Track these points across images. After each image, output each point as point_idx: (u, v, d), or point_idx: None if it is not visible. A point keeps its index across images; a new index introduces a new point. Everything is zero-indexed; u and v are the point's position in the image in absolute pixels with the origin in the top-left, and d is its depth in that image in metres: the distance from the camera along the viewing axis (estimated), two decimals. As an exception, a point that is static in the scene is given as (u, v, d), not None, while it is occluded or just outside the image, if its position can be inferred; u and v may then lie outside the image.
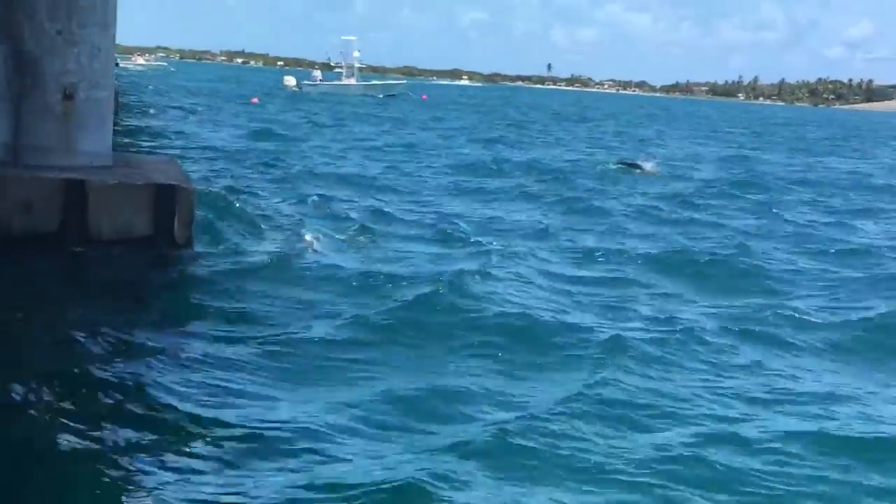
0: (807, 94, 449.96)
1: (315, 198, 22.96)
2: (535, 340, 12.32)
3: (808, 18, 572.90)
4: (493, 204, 26.23)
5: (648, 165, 38.50)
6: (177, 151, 30.80)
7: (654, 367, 11.49)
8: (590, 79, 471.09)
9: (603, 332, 12.87)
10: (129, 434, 8.33)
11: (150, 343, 11.00)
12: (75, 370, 9.57)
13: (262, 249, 16.33)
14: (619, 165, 38.50)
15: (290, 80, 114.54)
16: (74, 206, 14.23)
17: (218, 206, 19.11)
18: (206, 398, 9.42)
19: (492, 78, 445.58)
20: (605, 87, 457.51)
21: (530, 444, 8.68)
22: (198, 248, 15.10)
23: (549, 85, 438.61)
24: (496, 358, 11.60)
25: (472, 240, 19.54)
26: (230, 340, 11.43)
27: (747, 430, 9.44)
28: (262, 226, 18.45)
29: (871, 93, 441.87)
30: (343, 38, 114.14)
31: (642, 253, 19.36)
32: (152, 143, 32.69)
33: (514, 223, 22.79)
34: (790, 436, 9.36)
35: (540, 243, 19.92)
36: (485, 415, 9.67)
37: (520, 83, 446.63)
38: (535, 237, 20.84)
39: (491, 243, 19.13)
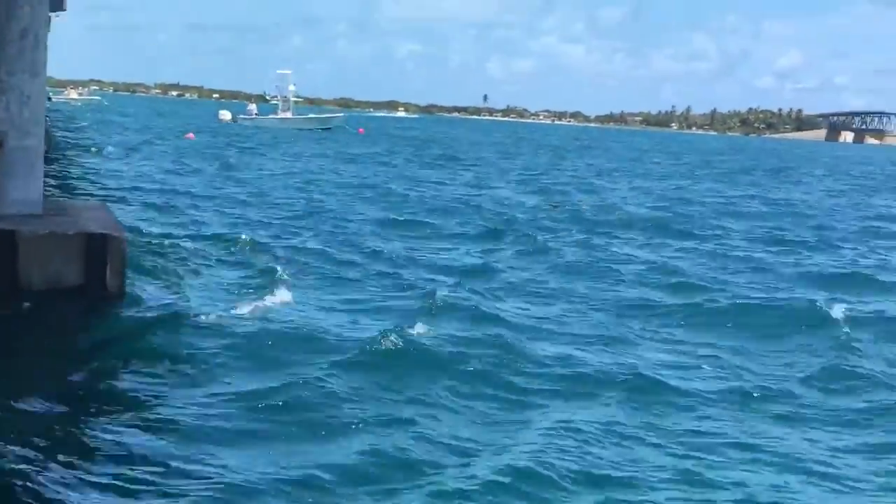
0: (738, 124, 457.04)
1: (247, 237, 22.78)
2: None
3: (739, 49, 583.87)
4: (426, 242, 26.20)
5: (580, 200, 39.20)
6: (109, 192, 30.55)
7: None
8: (525, 109, 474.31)
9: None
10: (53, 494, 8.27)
11: (80, 393, 10.91)
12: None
13: (196, 297, 16.22)
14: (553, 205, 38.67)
15: (226, 115, 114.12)
16: (4, 257, 14.13)
17: (150, 252, 19.00)
18: (139, 457, 9.34)
19: (428, 109, 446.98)
20: (541, 117, 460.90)
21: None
22: (130, 298, 14.97)
23: (485, 116, 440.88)
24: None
25: (411, 280, 19.58)
26: (161, 397, 11.33)
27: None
28: (196, 272, 18.34)
29: (801, 122, 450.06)
30: (279, 71, 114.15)
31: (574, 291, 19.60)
32: (85, 184, 32.31)
33: (450, 261, 22.90)
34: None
35: (482, 282, 19.94)
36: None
37: (456, 114, 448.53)
38: (474, 275, 20.81)
39: (430, 283, 19.18)
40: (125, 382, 11.77)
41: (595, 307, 18.20)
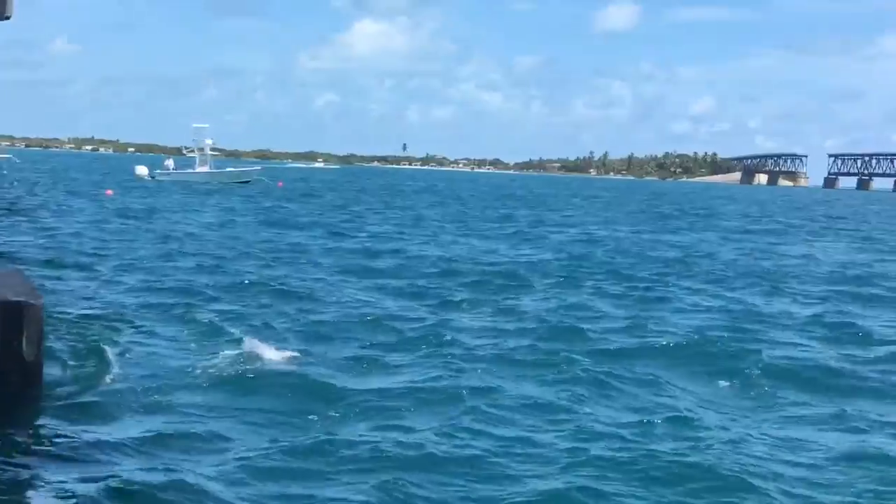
0: (655, 168, 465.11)
1: (176, 303, 21.89)
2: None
3: (654, 95, 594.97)
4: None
5: None
6: (25, 255, 29.42)
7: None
8: (445, 158, 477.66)
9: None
10: None
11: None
12: None
13: (118, 368, 15.34)
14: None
15: (142, 170, 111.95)
16: None
17: (69, 321, 18.09)
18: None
19: (347, 159, 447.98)
20: (461, 165, 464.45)
21: None
22: (48, 369, 14.02)
23: (404, 165, 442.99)
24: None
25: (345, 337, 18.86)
26: (83, 479, 10.47)
27: None
28: (118, 340, 17.42)
29: (716, 165, 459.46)
30: (195, 125, 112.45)
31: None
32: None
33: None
34: None
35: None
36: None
37: (376, 163, 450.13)
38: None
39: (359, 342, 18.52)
40: (39, 461, 10.89)
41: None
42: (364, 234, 45.30)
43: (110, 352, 16.26)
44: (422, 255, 36.31)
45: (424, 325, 20.75)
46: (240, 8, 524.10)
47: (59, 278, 24.92)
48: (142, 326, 19.09)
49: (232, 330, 18.54)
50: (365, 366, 16.56)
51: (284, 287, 25.34)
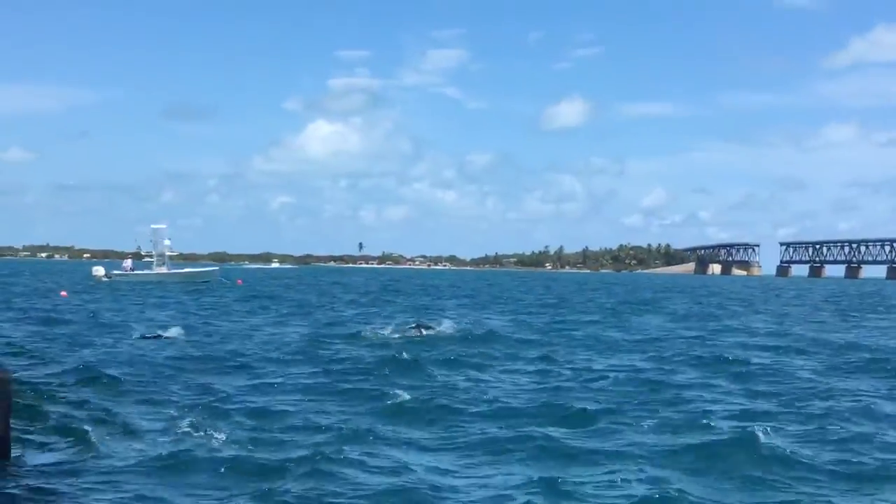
0: (610, 261, 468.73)
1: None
2: None
3: (606, 189, 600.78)
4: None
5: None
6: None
7: None
8: (401, 256, 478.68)
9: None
10: None
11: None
12: None
13: (85, 446, 15.55)
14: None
15: (99, 270, 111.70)
16: None
17: (38, 396, 18.29)
18: None
19: (304, 259, 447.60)
20: (417, 263, 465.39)
21: None
22: (14, 447, 14.26)
23: (361, 264, 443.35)
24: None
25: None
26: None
27: None
28: (87, 420, 17.64)
29: (670, 256, 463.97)
30: (153, 226, 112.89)
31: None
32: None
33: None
34: None
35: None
36: None
37: (332, 263, 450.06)
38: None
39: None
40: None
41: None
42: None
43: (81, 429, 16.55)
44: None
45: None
46: (192, 113, 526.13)
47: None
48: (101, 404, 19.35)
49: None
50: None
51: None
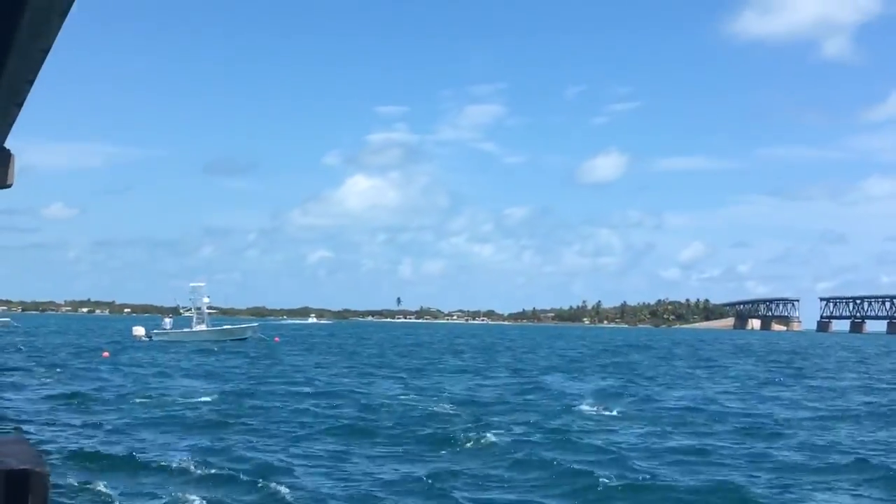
0: (648, 315, 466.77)
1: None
2: None
3: (643, 243, 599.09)
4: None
5: None
6: (27, 417, 29.93)
7: None
8: (439, 310, 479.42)
9: None
10: None
11: None
12: None
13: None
14: None
15: (140, 330, 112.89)
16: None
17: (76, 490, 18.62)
18: None
19: (342, 314, 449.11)
20: (454, 317, 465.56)
21: None
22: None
23: (399, 318, 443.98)
24: None
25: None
26: None
27: None
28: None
29: (709, 311, 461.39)
30: (192, 284, 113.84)
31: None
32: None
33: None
34: None
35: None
36: None
37: (370, 318, 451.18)
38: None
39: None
40: None
41: None
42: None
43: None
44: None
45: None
46: (233, 168, 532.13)
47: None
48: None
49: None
50: None
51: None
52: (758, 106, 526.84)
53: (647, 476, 22.39)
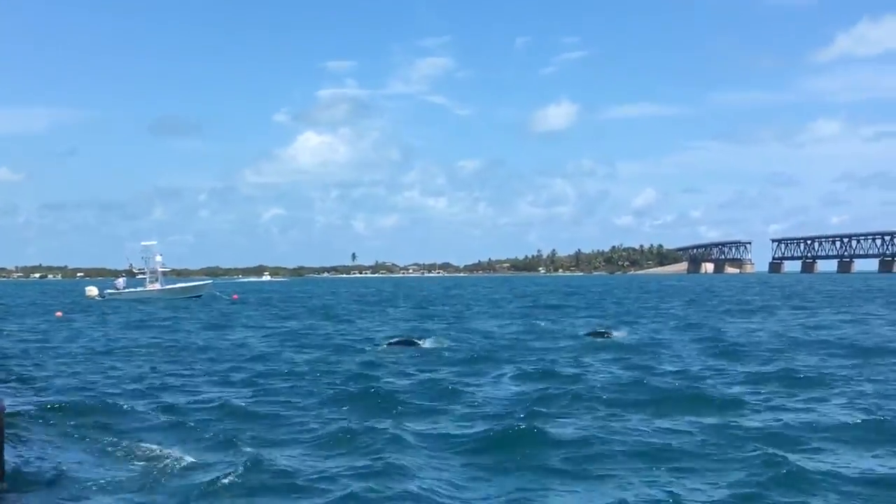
0: (603, 263, 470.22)
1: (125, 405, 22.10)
2: None
3: (597, 191, 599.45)
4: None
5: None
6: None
7: None
8: (394, 264, 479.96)
9: None
10: None
11: None
12: None
13: (83, 475, 15.58)
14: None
15: (93, 290, 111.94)
16: None
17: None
18: None
19: (298, 271, 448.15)
20: (410, 271, 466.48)
21: None
22: (8, 479, 14.31)
23: (354, 274, 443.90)
24: None
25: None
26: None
27: None
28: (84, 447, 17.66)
29: (663, 256, 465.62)
30: (144, 243, 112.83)
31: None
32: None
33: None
34: None
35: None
36: None
37: (326, 274, 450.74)
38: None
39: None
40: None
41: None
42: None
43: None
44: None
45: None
46: (180, 127, 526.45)
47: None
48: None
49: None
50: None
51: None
52: (708, 51, 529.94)
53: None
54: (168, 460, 16.03)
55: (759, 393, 23.75)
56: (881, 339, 40.06)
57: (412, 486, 14.06)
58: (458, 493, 14.09)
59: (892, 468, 15.29)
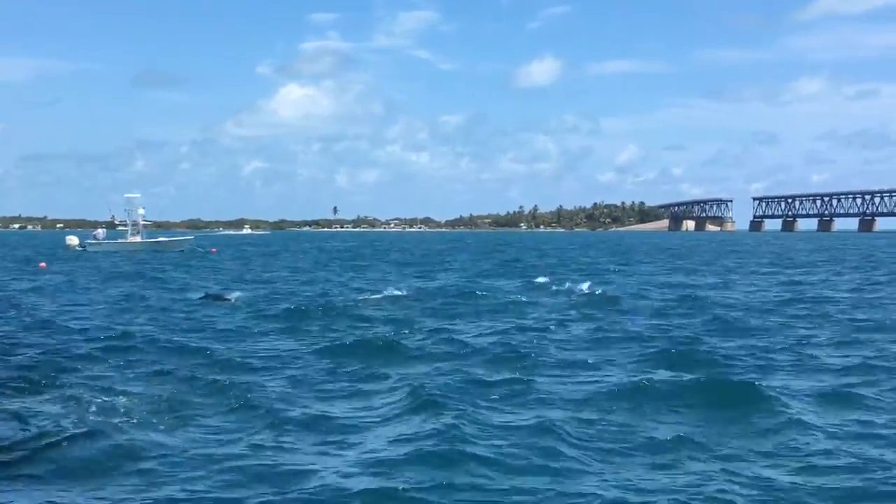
0: (584, 219, 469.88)
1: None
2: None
3: (579, 147, 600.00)
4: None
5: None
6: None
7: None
8: (376, 219, 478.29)
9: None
10: None
11: None
12: None
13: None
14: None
15: (73, 240, 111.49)
16: None
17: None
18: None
19: (279, 225, 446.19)
20: (392, 226, 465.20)
21: None
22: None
23: (336, 228, 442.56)
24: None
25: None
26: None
27: None
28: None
29: (644, 214, 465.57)
30: (127, 195, 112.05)
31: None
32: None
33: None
34: None
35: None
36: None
37: (307, 228, 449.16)
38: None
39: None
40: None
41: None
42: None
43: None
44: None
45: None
46: (162, 80, 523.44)
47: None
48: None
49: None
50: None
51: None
52: (693, 8, 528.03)
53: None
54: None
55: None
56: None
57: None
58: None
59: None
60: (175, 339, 26.48)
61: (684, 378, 19.20)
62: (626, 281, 53.83)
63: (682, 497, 11.69)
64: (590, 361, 22.39)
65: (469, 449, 13.53)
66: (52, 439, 13.90)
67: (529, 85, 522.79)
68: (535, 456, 13.43)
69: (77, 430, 14.29)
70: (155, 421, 15.47)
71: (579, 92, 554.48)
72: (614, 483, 12.33)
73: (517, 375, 19.98)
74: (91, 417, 15.42)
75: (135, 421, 15.35)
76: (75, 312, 34.94)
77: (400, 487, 11.84)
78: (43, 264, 73.91)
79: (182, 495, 11.80)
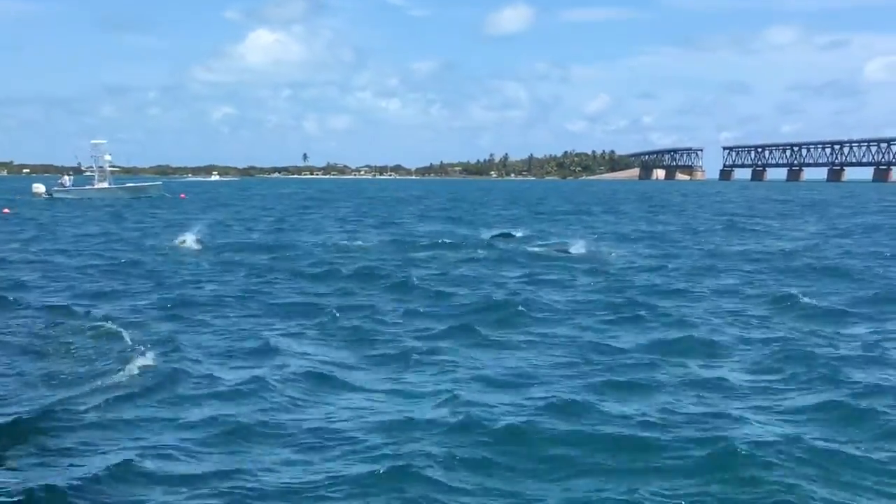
0: (555, 168, 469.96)
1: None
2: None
3: (550, 95, 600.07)
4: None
5: None
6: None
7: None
8: (346, 166, 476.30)
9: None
10: None
11: None
12: None
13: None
14: None
15: (39, 188, 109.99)
16: None
17: None
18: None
19: (248, 171, 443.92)
20: (362, 172, 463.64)
21: None
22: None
23: (305, 174, 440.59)
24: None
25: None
26: None
27: None
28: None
29: (615, 162, 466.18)
30: (93, 141, 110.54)
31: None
32: None
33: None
34: None
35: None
36: None
37: (276, 174, 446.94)
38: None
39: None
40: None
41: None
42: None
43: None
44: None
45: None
46: (127, 23, 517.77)
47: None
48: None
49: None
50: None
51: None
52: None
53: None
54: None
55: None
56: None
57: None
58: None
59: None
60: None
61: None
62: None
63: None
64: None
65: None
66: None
67: (501, 32, 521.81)
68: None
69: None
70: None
71: (550, 39, 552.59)
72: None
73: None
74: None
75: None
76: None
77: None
78: (6, 210, 72.99)
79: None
